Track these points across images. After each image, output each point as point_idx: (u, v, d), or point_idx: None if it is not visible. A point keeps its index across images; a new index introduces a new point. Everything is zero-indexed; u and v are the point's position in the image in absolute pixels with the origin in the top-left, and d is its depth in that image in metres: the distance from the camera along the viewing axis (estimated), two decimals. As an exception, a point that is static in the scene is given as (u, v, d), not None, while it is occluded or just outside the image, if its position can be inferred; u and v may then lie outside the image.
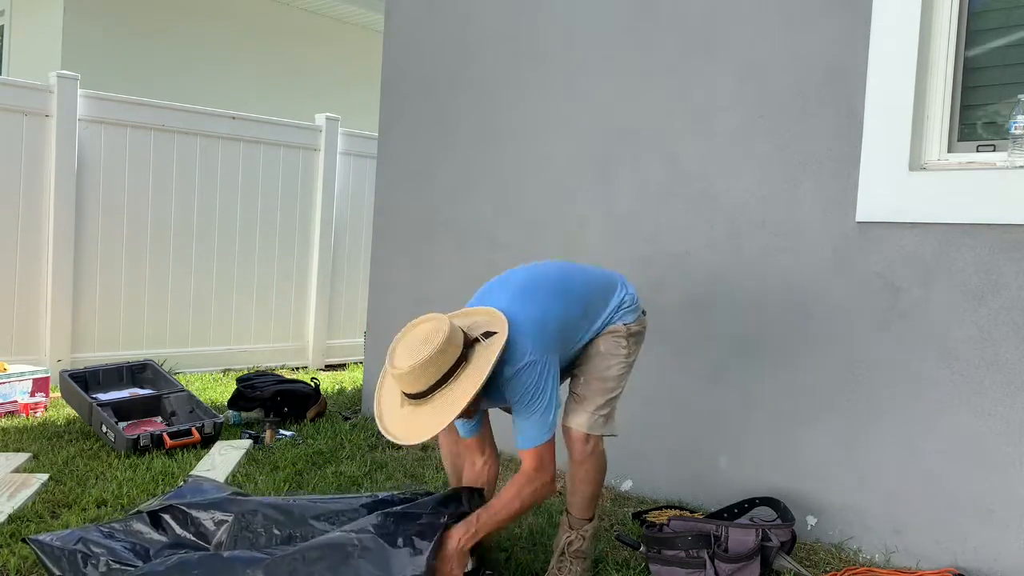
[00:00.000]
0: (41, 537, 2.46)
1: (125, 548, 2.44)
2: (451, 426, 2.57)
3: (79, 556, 2.38)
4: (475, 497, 2.55)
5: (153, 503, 2.68)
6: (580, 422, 2.60)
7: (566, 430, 2.62)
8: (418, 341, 2.30)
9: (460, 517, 2.42)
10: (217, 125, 5.97)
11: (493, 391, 2.40)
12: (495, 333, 2.36)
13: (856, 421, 3.03)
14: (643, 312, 2.83)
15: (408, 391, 2.32)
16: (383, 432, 2.38)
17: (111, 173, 5.51)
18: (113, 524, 2.59)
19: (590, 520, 2.71)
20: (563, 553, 2.68)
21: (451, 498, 2.52)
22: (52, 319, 5.26)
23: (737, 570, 2.63)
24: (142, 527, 2.56)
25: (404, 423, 2.35)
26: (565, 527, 2.71)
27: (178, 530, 2.55)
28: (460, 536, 2.38)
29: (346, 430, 4.40)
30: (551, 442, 2.45)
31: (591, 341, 2.67)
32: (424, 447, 4.15)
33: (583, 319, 2.63)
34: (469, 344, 2.35)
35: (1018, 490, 2.69)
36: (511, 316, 2.43)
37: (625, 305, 2.73)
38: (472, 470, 2.71)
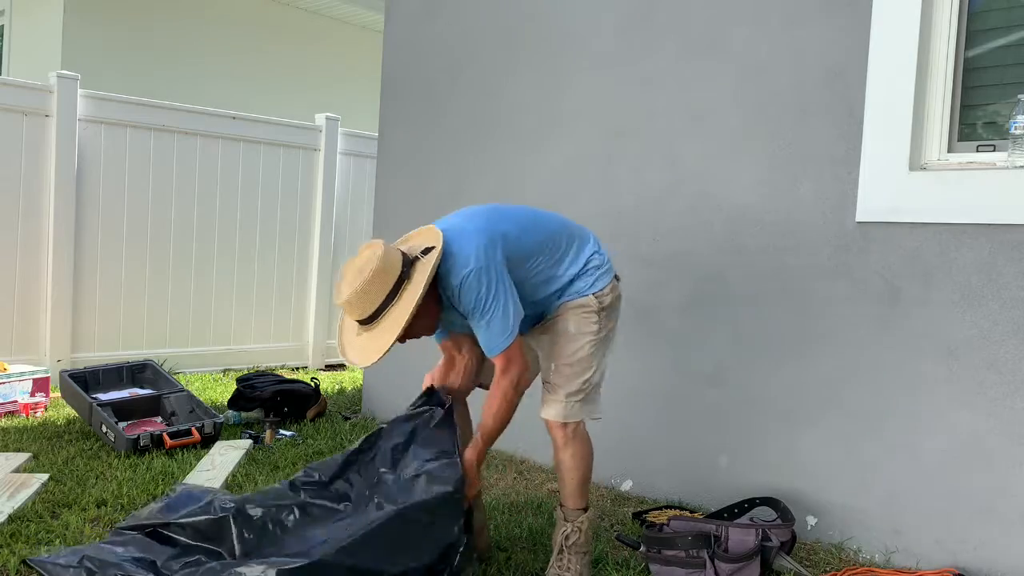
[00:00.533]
0: (43, 558, 2.44)
1: (130, 562, 2.38)
2: (444, 362, 2.78)
3: (85, 574, 2.34)
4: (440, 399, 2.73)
5: (145, 515, 2.60)
6: (554, 413, 2.61)
7: (545, 421, 2.64)
8: (356, 270, 2.40)
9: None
10: (217, 125, 5.97)
11: (449, 307, 2.50)
12: (433, 248, 2.42)
13: (856, 421, 3.03)
14: (616, 277, 2.74)
15: (357, 318, 2.41)
16: (344, 360, 2.51)
17: (111, 173, 5.51)
18: (114, 539, 2.52)
19: (584, 510, 2.69)
20: (562, 549, 2.66)
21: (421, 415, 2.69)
22: (52, 319, 5.26)
23: (737, 570, 2.63)
24: (144, 538, 2.51)
25: (360, 348, 2.44)
26: (561, 521, 2.70)
27: (183, 539, 2.49)
28: (471, 457, 2.55)
29: (346, 430, 4.40)
30: (515, 342, 2.46)
31: (559, 314, 2.62)
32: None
33: (543, 251, 2.59)
34: (410, 264, 2.41)
35: (1018, 490, 2.69)
36: (456, 229, 2.49)
37: (594, 264, 2.66)
38: (452, 366, 2.79)
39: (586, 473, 2.69)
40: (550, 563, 2.69)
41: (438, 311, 2.51)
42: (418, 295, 2.34)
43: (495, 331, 2.44)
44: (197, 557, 2.41)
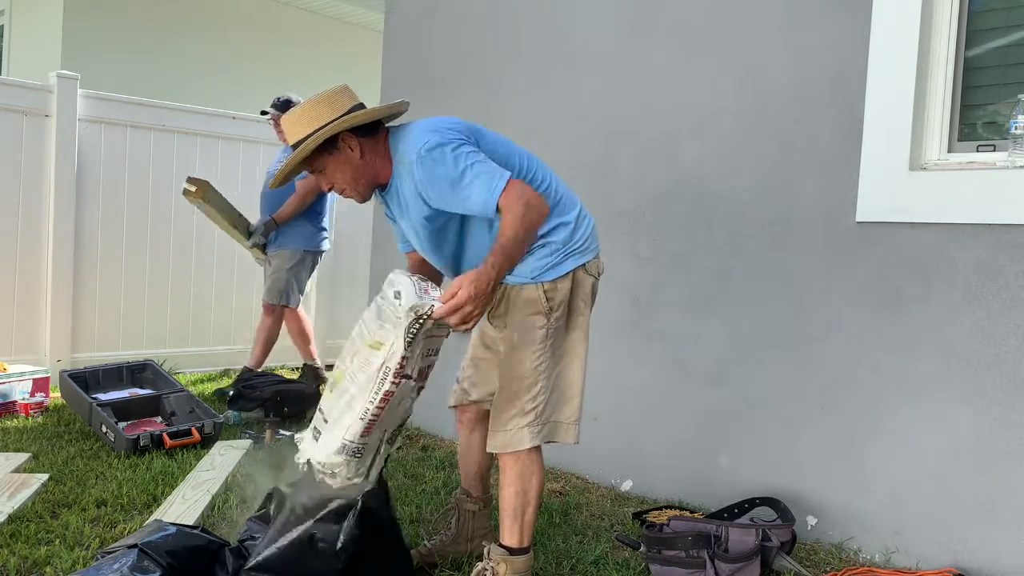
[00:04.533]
0: None
1: None
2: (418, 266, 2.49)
3: None
4: None
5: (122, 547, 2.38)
6: (495, 444, 2.30)
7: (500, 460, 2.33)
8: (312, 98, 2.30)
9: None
10: (217, 125, 5.97)
11: (398, 196, 2.31)
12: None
13: (856, 421, 3.03)
14: (587, 270, 2.37)
15: (291, 142, 2.29)
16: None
17: (111, 173, 5.51)
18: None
19: (514, 552, 2.30)
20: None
21: None
22: (52, 319, 5.26)
23: (737, 570, 2.63)
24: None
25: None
26: (485, 557, 2.32)
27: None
28: (472, 274, 2.13)
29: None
30: (509, 181, 2.14)
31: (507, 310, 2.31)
32: (424, 447, 4.15)
33: (514, 168, 2.28)
34: (360, 108, 2.30)
35: (1018, 490, 2.69)
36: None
37: (560, 237, 2.29)
38: (421, 268, 2.50)
39: (522, 510, 2.30)
40: None
41: (370, 175, 2.31)
42: (335, 122, 2.20)
43: (479, 186, 2.13)
44: None
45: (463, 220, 2.31)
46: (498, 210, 2.15)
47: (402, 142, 2.27)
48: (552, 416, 2.33)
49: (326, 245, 5.26)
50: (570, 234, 2.31)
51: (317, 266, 5.27)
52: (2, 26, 8.61)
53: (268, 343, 5.19)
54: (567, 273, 2.31)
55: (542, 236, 2.27)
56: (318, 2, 8.93)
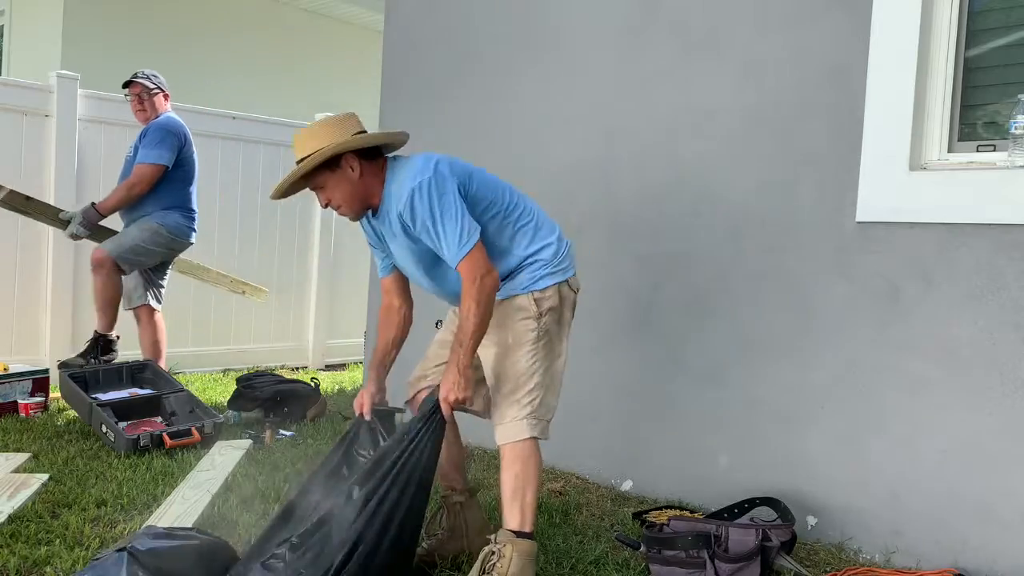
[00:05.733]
0: None
1: None
2: (383, 309, 2.73)
3: None
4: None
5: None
6: (500, 435, 2.49)
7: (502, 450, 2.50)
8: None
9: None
10: (217, 125, 5.97)
11: (389, 222, 2.50)
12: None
13: (856, 421, 3.03)
14: (571, 286, 2.62)
15: (297, 157, 2.47)
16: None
17: (111, 173, 5.47)
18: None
19: (520, 535, 2.40)
20: (483, 570, 2.37)
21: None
22: (52, 319, 5.26)
23: (737, 570, 2.63)
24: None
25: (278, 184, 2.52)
26: (492, 540, 2.42)
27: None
28: (453, 361, 2.39)
29: (346, 430, 4.39)
30: (474, 247, 2.36)
31: (499, 319, 2.48)
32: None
33: (496, 207, 2.52)
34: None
35: (1018, 490, 2.69)
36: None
37: (545, 256, 2.54)
38: (391, 309, 2.72)
39: (525, 491, 2.45)
40: None
41: (365, 196, 2.50)
42: (341, 142, 2.42)
43: (451, 239, 2.35)
44: None
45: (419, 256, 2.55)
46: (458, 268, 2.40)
47: (400, 172, 2.47)
48: (541, 411, 2.52)
49: (191, 236, 4.79)
50: (554, 253, 2.57)
51: (171, 262, 4.85)
52: (2, 26, 8.60)
53: (109, 303, 4.65)
54: (554, 284, 2.55)
55: (531, 256, 2.55)
56: (319, 3, 8.92)
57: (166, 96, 4.87)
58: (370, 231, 2.66)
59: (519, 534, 2.42)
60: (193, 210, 4.79)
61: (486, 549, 2.41)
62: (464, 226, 2.36)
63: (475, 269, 2.35)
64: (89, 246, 5.39)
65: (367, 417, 2.65)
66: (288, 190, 2.54)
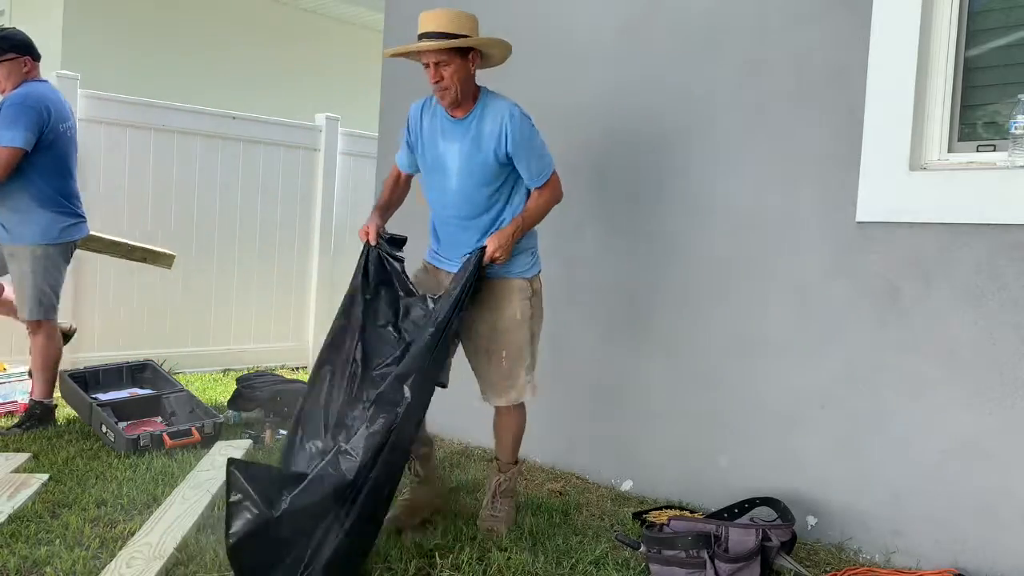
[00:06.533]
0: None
1: None
2: (399, 174, 3.23)
3: None
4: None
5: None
6: (514, 397, 3.05)
7: (497, 408, 3.11)
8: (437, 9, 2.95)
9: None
10: (217, 125, 5.97)
11: (474, 129, 2.94)
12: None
13: (856, 421, 3.03)
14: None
15: (424, 28, 2.88)
16: (405, 48, 2.95)
17: (111, 173, 5.51)
18: None
19: (515, 463, 3.20)
20: (495, 495, 3.13)
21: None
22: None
23: (737, 570, 2.63)
24: None
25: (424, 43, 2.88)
26: (495, 472, 3.18)
27: None
28: (508, 227, 2.94)
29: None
30: (554, 173, 3.02)
31: (504, 297, 3.00)
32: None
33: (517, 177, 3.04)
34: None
35: (1018, 490, 2.69)
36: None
37: (535, 247, 3.13)
38: (399, 179, 3.24)
39: (520, 434, 3.18)
40: (484, 505, 3.13)
41: (469, 91, 2.96)
42: (483, 39, 2.95)
43: (545, 161, 2.99)
44: None
45: (500, 179, 2.99)
46: (538, 186, 3.01)
47: (496, 99, 2.99)
48: (535, 380, 3.10)
49: (80, 232, 4.18)
50: (537, 245, 3.16)
51: (71, 259, 4.27)
52: (2, 26, 8.60)
53: (50, 366, 4.17)
54: (538, 273, 3.14)
55: (528, 248, 3.08)
56: (319, 3, 8.93)
57: (28, 61, 4.07)
58: (425, 128, 3.03)
59: (515, 463, 3.21)
60: (69, 201, 4.08)
61: (500, 477, 3.14)
62: (549, 157, 3.02)
63: (557, 186, 3.05)
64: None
65: (374, 243, 2.97)
66: (409, 54, 2.95)
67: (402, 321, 2.90)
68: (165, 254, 5.07)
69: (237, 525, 2.41)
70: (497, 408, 3.11)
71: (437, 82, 2.87)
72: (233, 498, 2.44)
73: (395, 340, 2.86)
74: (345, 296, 2.98)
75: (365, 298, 2.92)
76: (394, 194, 3.23)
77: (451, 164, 2.98)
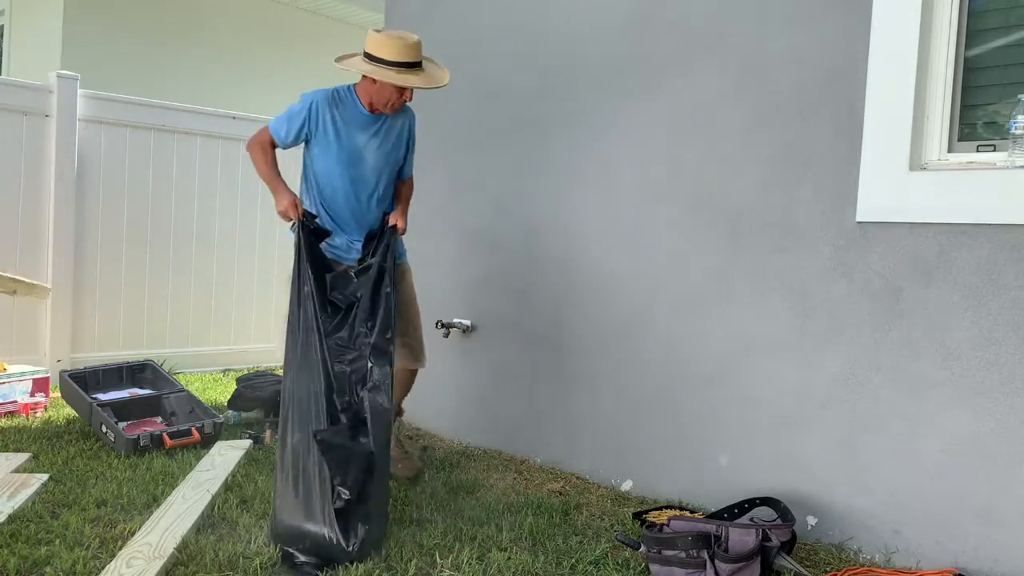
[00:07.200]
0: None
1: None
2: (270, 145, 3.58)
3: None
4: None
5: None
6: (424, 361, 3.68)
7: (403, 372, 3.58)
8: (407, 35, 3.30)
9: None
10: (217, 125, 5.97)
11: (387, 124, 3.45)
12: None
13: (856, 421, 3.03)
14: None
15: (409, 59, 3.22)
16: (405, 82, 3.26)
17: (111, 173, 5.51)
18: None
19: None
20: (399, 441, 3.72)
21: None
22: (52, 319, 5.26)
23: (737, 570, 2.63)
24: None
25: (426, 77, 3.29)
26: (401, 420, 3.87)
27: None
28: (403, 217, 3.52)
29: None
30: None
31: (402, 277, 3.53)
32: (424, 448, 4.15)
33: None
34: None
35: (1018, 490, 2.69)
36: None
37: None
38: (268, 148, 3.56)
39: (409, 391, 3.78)
40: (393, 447, 3.36)
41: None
42: (447, 76, 3.35)
43: (412, 163, 3.63)
44: None
45: (398, 167, 3.58)
46: (409, 175, 3.66)
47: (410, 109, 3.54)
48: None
49: None
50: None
51: None
52: (2, 26, 8.61)
53: None
54: None
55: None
56: (318, 2, 8.93)
57: None
58: (336, 120, 3.40)
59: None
60: None
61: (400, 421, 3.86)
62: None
63: (412, 183, 3.71)
64: (92, 245, 5.40)
65: (301, 216, 3.23)
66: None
67: (345, 289, 3.22)
68: (40, 286, 4.93)
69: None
70: (403, 375, 3.60)
71: (401, 100, 3.33)
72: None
73: (348, 304, 3.21)
74: (293, 277, 3.20)
75: (312, 274, 3.14)
76: (272, 156, 3.51)
77: (369, 155, 3.39)
